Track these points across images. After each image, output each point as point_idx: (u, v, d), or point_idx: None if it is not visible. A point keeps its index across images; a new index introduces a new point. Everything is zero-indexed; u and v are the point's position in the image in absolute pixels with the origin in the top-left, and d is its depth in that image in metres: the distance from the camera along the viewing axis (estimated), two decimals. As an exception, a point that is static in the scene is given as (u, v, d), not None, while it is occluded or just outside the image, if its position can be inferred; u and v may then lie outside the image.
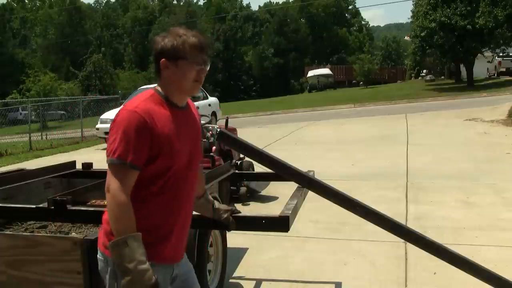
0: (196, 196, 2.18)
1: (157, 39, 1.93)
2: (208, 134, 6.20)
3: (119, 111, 1.85)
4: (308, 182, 2.46)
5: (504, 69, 29.79)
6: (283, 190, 5.52)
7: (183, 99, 1.97)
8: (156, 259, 1.84)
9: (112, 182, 1.77)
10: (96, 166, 4.12)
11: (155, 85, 1.98)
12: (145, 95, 1.90)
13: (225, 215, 2.27)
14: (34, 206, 2.68)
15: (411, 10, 32.23)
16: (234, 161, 6.19)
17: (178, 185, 1.91)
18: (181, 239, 1.99)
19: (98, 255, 1.94)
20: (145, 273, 1.71)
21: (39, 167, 4.02)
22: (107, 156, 1.80)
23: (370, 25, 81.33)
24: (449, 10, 23.14)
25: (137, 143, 1.78)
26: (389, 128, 12.95)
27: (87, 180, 3.65)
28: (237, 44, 60.68)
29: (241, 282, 3.95)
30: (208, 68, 1.95)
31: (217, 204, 2.31)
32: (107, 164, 1.81)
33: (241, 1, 71.28)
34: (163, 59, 1.88)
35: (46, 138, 18.51)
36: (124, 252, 1.71)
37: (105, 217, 1.88)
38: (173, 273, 1.98)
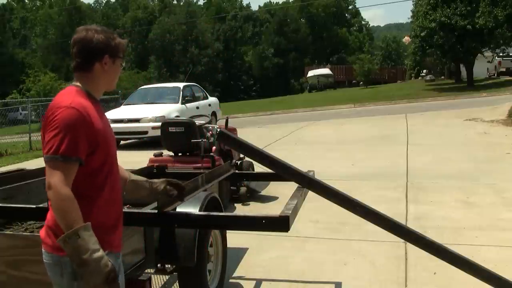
0: (123, 183, 2.21)
1: (88, 34, 1.92)
2: (208, 134, 6.20)
3: (55, 109, 1.83)
4: (308, 182, 2.46)
5: (504, 69, 29.76)
6: (283, 190, 5.52)
7: (101, 94, 2.03)
8: (108, 248, 1.87)
9: (54, 178, 1.75)
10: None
11: (73, 83, 1.97)
12: (71, 91, 1.91)
13: (162, 186, 2.29)
14: (34, 206, 2.68)
15: (411, 10, 32.28)
16: (234, 161, 6.18)
17: (114, 176, 1.96)
18: (121, 227, 2.04)
19: (45, 258, 1.90)
20: (101, 260, 1.72)
21: (39, 167, 4.01)
22: (47, 152, 1.78)
23: (370, 25, 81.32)
24: (449, 10, 23.12)
25: (80, 138, 1.79)
26: (389, 128, 12.95)
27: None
28: (237, 44, 60.62)
29: (241, 282, 3.95)
30: None
31: (149, 180, 2.34)
32: (45, 161, 1.80)
33: (241, 1, 71.22)
34: (107, 55, 1.93)
35: (46, 138, 18.48)
36: (77, 244, 1.70)
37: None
38: (119, 259, 2.01)
